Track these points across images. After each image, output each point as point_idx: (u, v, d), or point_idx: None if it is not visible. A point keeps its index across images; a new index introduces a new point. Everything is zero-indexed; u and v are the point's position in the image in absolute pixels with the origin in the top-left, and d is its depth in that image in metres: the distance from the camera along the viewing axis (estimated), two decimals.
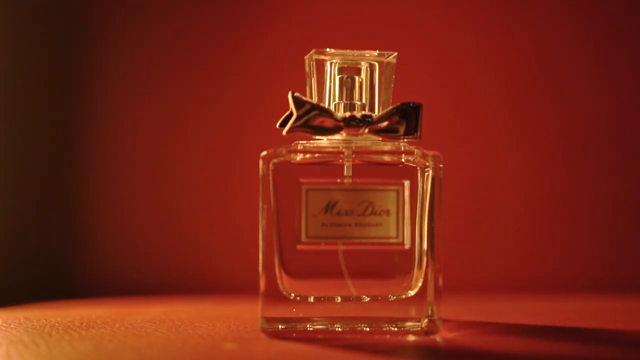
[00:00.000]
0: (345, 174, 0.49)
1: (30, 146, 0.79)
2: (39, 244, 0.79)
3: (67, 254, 0.80)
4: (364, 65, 0.51)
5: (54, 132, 0.81)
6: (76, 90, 0.81)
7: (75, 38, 0.81)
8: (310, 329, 0.49)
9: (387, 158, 0.50)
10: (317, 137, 0.50)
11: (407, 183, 0.50)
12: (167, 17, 0.82)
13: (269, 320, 0.49)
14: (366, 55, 0.50)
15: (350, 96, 0.50)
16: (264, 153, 0.49)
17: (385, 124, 0.49)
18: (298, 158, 0.49)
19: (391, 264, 0.50)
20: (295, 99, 0.48)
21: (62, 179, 0.80)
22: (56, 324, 0.53)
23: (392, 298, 0.50)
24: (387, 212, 0.49)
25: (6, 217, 0.76)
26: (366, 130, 0.49)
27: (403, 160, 0.50)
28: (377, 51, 0.51)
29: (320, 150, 0.49)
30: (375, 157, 0.50)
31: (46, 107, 0.80)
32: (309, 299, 0.49)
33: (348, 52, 0.50)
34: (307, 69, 0.51)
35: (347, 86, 0.50)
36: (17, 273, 0.76)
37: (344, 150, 0.49)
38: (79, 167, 0.81)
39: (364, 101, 0.50)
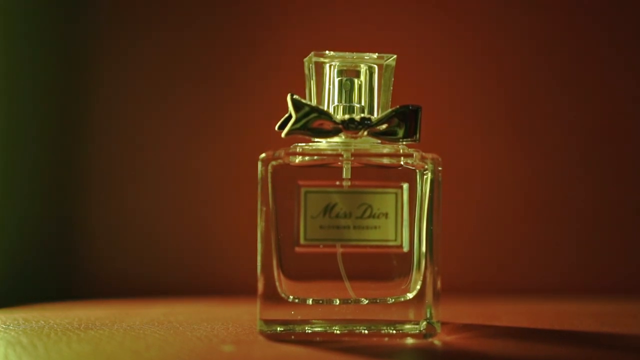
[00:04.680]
0: (344, 176, 0.49)
1: (30, 147, 0.79)
2: (38, 245, 0.79)
3: (66, 256, 0.80)
4: (363, 68, 0.51)
5: (55, 133, 0.81)
6: (79, 92, 0.81)
7: (81, 41, 0.81)
8: (309, 331, 0.49)
9: (386, 161, 0.50)
10: (316, 140, 0.50)
11: (405, 186, 0.50)
12: (168, 20, 0.82)
13: (267, 322, 0.49)
14: (365, 57, 0.50)
15: (349, 99, 0.50)
16: (263, 155, 0.49)
17: (384, 126, 0.49)
18: (297, 160, 0.49)
19: (390, 267, 0.50)
20: (294, 101, 0.48)
21: (61, 180, 0.80)
22: (54, 326, 0.53)
23: (391, 301, 0.50)
24: (386, 215, 0.49)
25: (5, 218, 0.76)
26: (365, 133, 0.49)
27: (402, 162, 0.50)
28: (377, 54, 0.51)
29: (319, 152, 0.49)
30: (374, 160, 0.50)
31: (48, 107, 0.80)
32: (308, 301, 0.49)
33: (347, 54, 0.50)
34: (306, 71, 0.51)
35: (346, 89, 0.50)
36: (16, 274, 0.76)
37: (342, 152, 0.49)
38: (79, 169, 0.81)
39: (363, 104, 0.50)
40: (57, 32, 0.81)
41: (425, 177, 0.50)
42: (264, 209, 0.49)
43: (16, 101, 0.78)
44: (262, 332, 0.49)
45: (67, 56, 0.81)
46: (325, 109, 0.50)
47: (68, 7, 0.81)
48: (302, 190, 0.49)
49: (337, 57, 0.50)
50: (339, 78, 0.50)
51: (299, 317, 0.49)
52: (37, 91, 0.80)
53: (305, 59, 0.51)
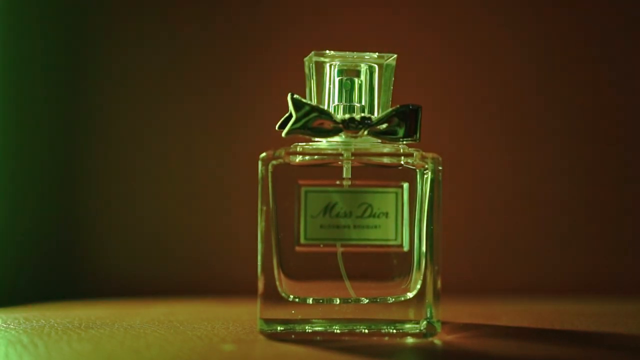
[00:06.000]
0: (344, 176, 0.49)
1: (31, 147, 0.79)
2: (38, 245, 0.79)
3: (67, 255, 0.80)
4: (363, 68, 0.51)
5: (54, 134, 0.81)
6: (79, 92, 0.81)
7: (79, 40, 0.81)
8: (309, 330, 0.49)
9: (386, 160, 0.50)
10: (316, 139, 0.50)
11: (406, 185, 0.50)
12: (168, 19, 0.82)
13: (267, 321, 0.49)
14: (366, 57, 0.50)
15: (350, 98, 0.50)
16: (263, 155, 0.49)
17: (384, 126, 0.49)
18: (297, 160, 0.49)
19: (390, 266, 0.50)
20: (294, 100, 0.48)
21: (62, 181, 0.81)
22: (55, 325, 0.53)
23: (391, 300, 0.50)
24: (386, 214, 0.49)
25: (6, 218, 0.76)
26: (365, 132, 0.49)
27: (402, 162, 0.50)
28: (377, 53, 0.51)
29: (319, 152, 0.49)
30: (374, 159, 0.50)
31: (48, 108, 0.80)
32: (308, 300, 0.49)
33: (347, 54, 0.50)
34: (306, 70, 0.51)
35: (346, 88, 0.50)
36: (17, 274, 0.76)
37: (343, 152, 0.49)
38: (79, 169, 0.81)
39: (363, 103, 0.50)
40: (60, 33, 0.81)
41: (425, 176, 0.50)
42: (264, 208, 0.49)
43: (19, 102, 0.78)
44: (262, 332, 0.49)
45: (68, 58, 0.81)
46: (326, 108, 0.50)
47: (72, 7, 0.81)
48: (303, 189, 0.49)
49: (337, 57, 0.50)
50: (339, 77, 0.50)
51: (299, 317, 0.49)
52: (41, 92, 0.80)
53: (306, 59, 0.51)
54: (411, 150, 0.50)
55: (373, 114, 0.51)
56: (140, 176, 0.81)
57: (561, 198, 0.82)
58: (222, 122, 0.81)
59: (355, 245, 0.49)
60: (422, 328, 0.49)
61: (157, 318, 0.58)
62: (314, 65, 0.50)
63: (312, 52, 0.50)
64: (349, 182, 0.50)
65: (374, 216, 0.49)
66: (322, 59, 0.50)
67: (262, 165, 0.49)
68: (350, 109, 0.50)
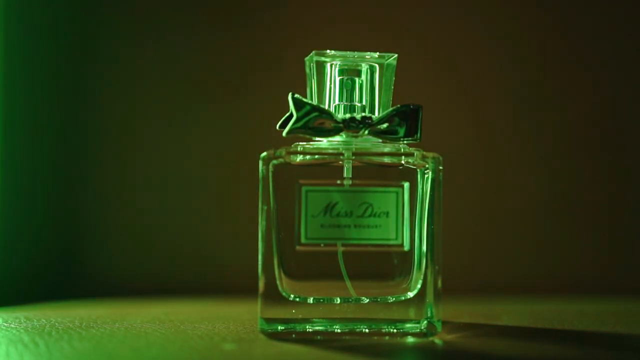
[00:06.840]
0: (344, 175, 0.50)
1: (31, 146, 0.79)
2: (40, 244, 0.79)
3: (67, 254, 0.80)
4: (364, 67, 0.51)
5: (55, 133, 0.81)
6: (79, 94, 0.81)
7: (81, 40, 0.81)
8: (310, 330, 0.49)
9: (386, 160, 0.50)
10: (317, 139, 0.50)
11: (406, 185, 0.50)
12: (168, 18, 0.82)
13: (268, 321, 0.49)
14: (366, 57, 0.51)
15: (350, 98, 0.50)
16: (264, 154, 0.49)
17: (385, 125, 0.49)
18: (298, 159, 0.49)
19: (390, 266, 0.50)
20: (295, 100, 0.48)
21: (62, 181, 0.81)
22: (56, 324, 0.53)
23: (392, 299, 0.50)
24: (387, 214, 0.49)
25: (7, 217, 0.76)
26: (366, 132, 0.49)
27: (403, 161, 0.50)
28: (378, 53, 0.51)
29: (320, 151, 0.49)
30: (375, 159, 0.50)
31: (49, 107, 0.80)
32: (308, 300, 0.49)
33: (348, 53, 0.50)
34: (307, 70, 0.51)
35: (347, 88, 0.50)
36: (17, 273, 0.76)
37: (343, 151, 0.49)
38: (79, 168, 0.81)
39: (364, 103, 0.50)
40: (62, 32, 0.81)
41: (426, 176, 0.50)
42: (265, 208, 0.49)
43: (20, 104, 0.78)
44: (263, 331, 0.49)
45: (69, 60, 0.81)
46: (326, 108, 0.50)
47: (75, 7, 0.81)
48: (303, 189, 0.49)
49: (338, 56, 0.50)
50: (340, 77, 0.50)
51: (300, 316, 0.49)
52: (42, 95, 0.80)
53: (307, 58, 0.51)
54: (412, 149, 0.50)
55: (374, 113, 0.51)
56: (140, 176, 0.81)
57: (562, 198, 0.82)
58: (222, 122, 0.81)
59: (356, 245, 0.49)
60: (422, 327, 0.49)
61: (158, 317, 0.58)
62: (314, 65, 0.50)
63: (313, 52, 0.50)
64: (350, 182, 0.50)
65: (374, 216, 0.49)
66: (322, 58, 0.50)
67: (263, 164, 0.49)
68: (350, 108, 0.50)
